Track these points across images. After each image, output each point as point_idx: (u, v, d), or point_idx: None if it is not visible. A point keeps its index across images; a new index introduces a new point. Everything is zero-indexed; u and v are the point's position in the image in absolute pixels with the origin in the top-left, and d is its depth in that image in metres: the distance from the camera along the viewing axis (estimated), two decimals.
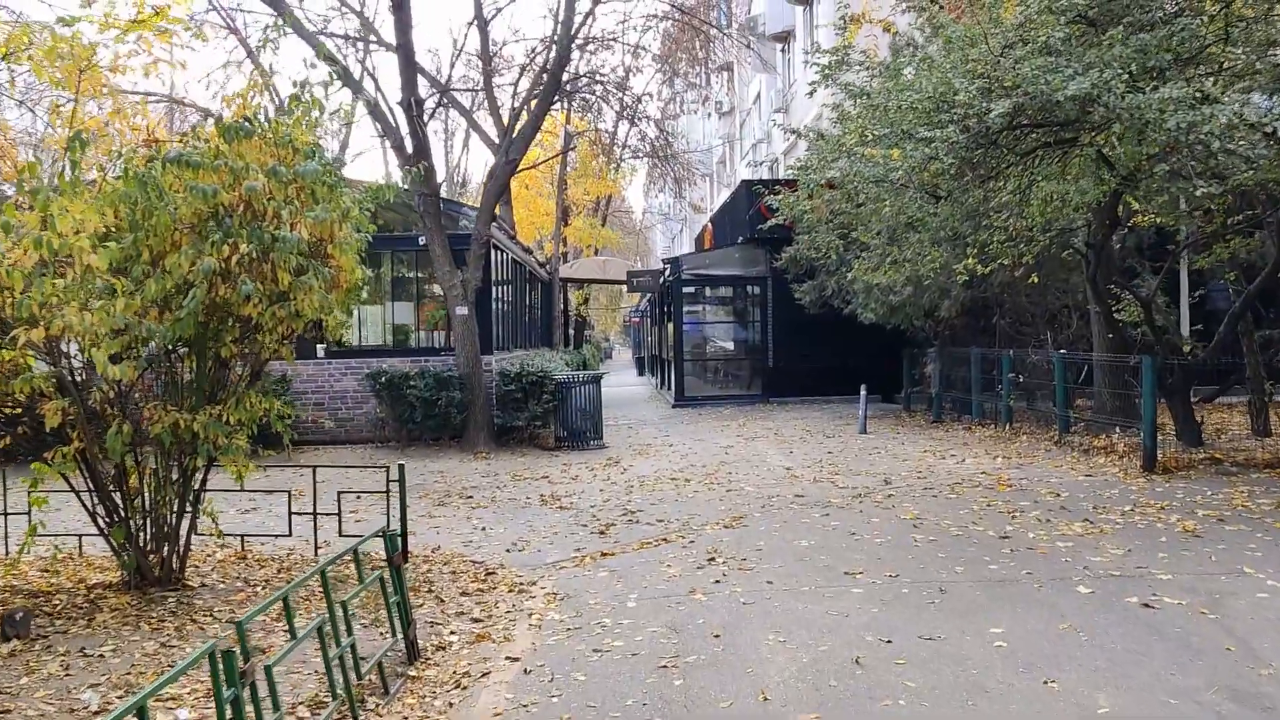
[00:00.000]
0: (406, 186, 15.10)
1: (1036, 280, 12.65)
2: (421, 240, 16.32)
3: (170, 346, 7.43)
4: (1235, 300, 12.66)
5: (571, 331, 36.45)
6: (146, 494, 7.58)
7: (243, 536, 9.22)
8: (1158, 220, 13.44)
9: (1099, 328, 13.52)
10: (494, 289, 18.31)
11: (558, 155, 27.70)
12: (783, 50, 38.30)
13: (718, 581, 7.44)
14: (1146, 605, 6.37)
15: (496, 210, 22.24)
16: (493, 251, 17.98)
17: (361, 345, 17.37)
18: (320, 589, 7.81)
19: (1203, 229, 12.16)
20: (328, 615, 5.01)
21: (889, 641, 5.84)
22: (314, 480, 9.05)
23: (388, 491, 8.92)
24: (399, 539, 6.09)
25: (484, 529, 10.08)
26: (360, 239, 7.62)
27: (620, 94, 27.72)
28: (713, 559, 8.18)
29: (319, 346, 17.33)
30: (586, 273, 30.59)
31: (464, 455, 15.57)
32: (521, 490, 12.36)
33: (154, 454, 7.51)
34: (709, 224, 31.75)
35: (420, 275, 17.61)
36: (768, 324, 23.97)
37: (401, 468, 8.86)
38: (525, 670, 5.77)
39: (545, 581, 7.93)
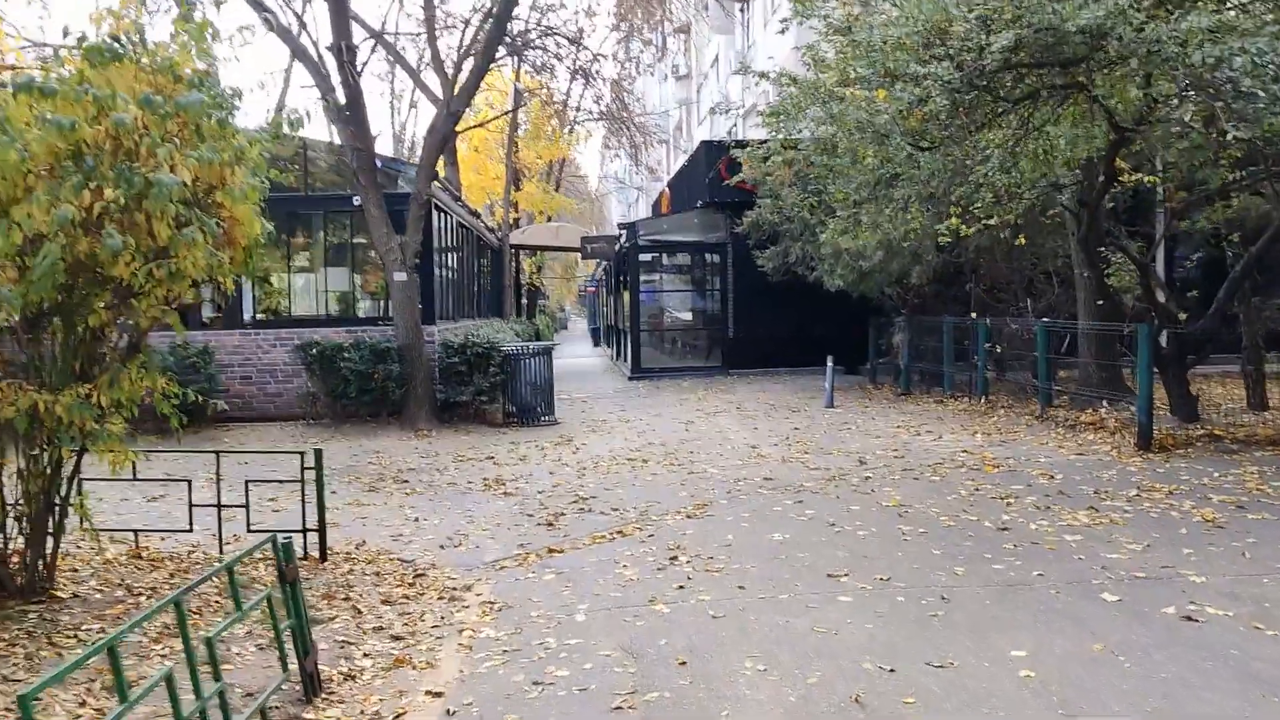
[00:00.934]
0: (304, 132, 13.83)
1: (1024, 242, 11.70)
2: (357, 200, 15.05)
3: (31, 314, 6.22)
4: (1234, 265, 11.77)
5: (524, 301, 35.23)
6: (6, 489, 6.39)
7: (136, 532, 8.05)
8: (1145, 180, 12.52)
9: (1086, 294, 12.61)
10: (437, 254, 17.09)
11: (507, 113, 26.36)
12: (742, 9, 37.13)
13: (682, 587, 6.40)
14: (1188, 618, 5.40)
15: (441, 170, 20.92)
16: (435, 213, 16.75)
17: (293, 314, 16.10)
18: (222, 589, 6.66)
19: (1208, 186, 11.23)
20: (186, 655, 3.90)
21: (892, 670, 4.81)
22: (217, 467, 7.89)
23: (302, 481, 7.80)
24: (291, 548, 4.97)
25: (417, 519, 8.97)
26: (257, 186, 6.41)
27: (574, 50, 26.44)
28: (675, 558, 7.14)
29: (257, 315, 16.11)
30: (539, 239, 29.32)
31: (403, 433, 14.41)
32: (463, 473, 11.24)
33: (12, 442, 6.32)
34: (666, 189, 30.61)
35: (357, 239, 16.33)
36: (727, 292, 22.94)
37: (319, 454, 7.75)
38: (448, 711, 4.68)
39: (482, 586, 6.84)
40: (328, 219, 16.26)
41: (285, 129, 6.53)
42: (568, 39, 22.90)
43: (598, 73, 31.69)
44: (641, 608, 6.02)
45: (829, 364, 16.38)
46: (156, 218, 5.74)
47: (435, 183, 16.50)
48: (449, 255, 18.76)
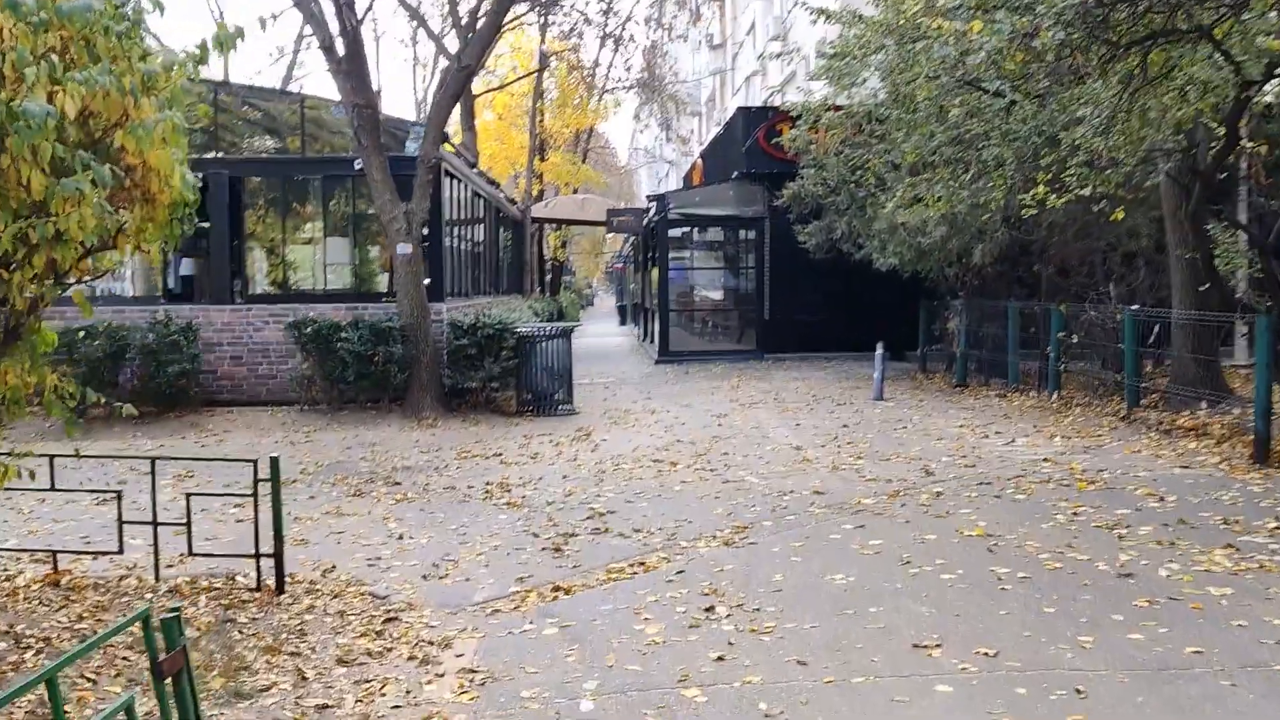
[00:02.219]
0: (308, 89, 12.36)
1: (1120, 216, 10.05)
2: (359, 164, 13.57)
3: None
4: None
5: (547, 277, 33.78)
6: None
7: (56, 553, 6.65)
8: (1255, 147, 10.84)
9: (1183, 277, 10.96)
10: (448, 225, 15.61)
11: (530, 74, 24.79)
12: None
13: (721, 658, 4.89)
14: None
15: (457, 136, 19.46)
16: (447, 180, 15.26)
17: (288, 289, 14.68)
18: (132, 641, 4.98)
19: None
20: None
21: None
22: (153, 476, 6.45)
23: (255, 494, 6.35)
24: (176, 625, 3.51)
25: (402, 537, 7.52)
26: (178, 125, 4.90)
27: (604, 11, 24.90)
28: (711, 608, 5.63)
29: (249, 289, 14.75)
30: (563, 212, 27.79)
31: (406, 423, 12.98)
32: (465, 474, 9.80)
33: None
34: (698, 160, 28.98)
35: (360, 208, 14.85)
36: (764, 271, 21.35)
37: (275, 464, 6.29)
38: None
39: (465, 641, 5.38)
40: (328, 185, 14.79)
41: (212, 49, 5.00)
42: None
43: (630, 39, 30.15)
44: (669, 692, 4.52)
45: (879, 351, 14.79)
46: (25, 161, 4.27)
47: (447, 146, 15.02)
48: (462, 226, 17.28)
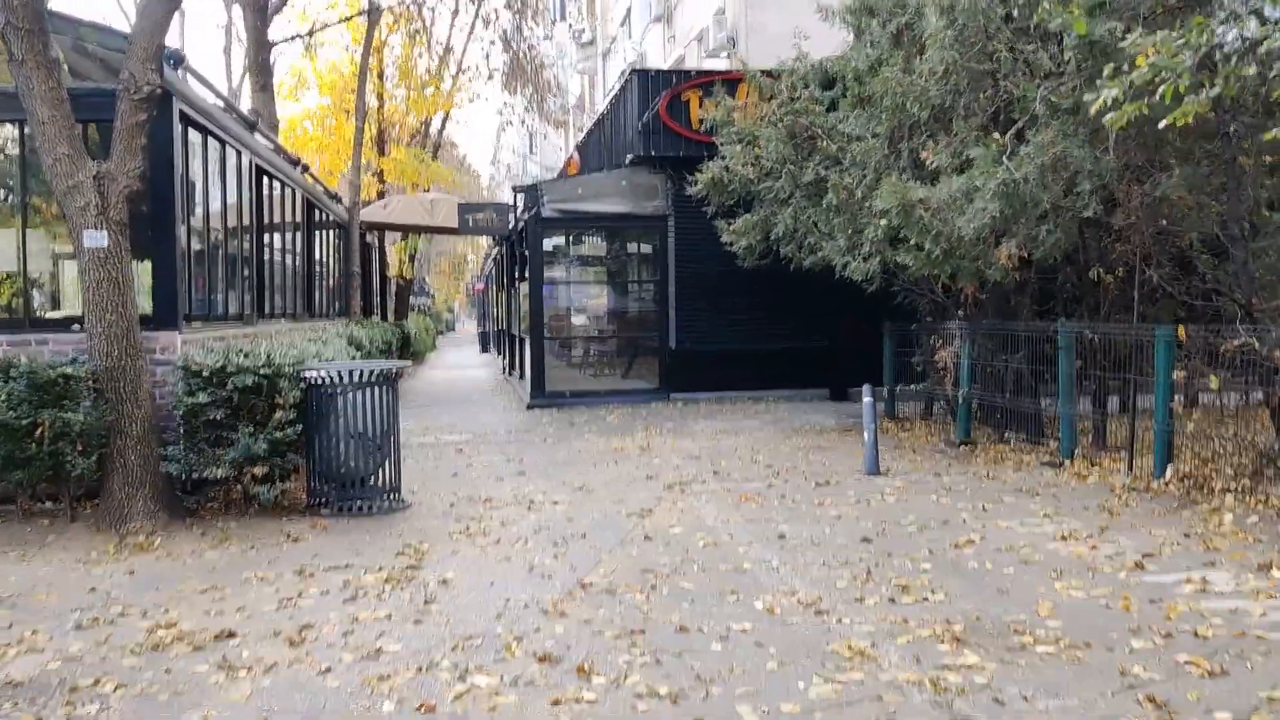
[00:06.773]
0: None
1: None
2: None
3: None
4: None
5: (391, 300, 28.02)
6: None
7: None
8: None
9: None
10: (197, 205, 9.96)
11: (351, 19, 19.16)
12: None
13: None
14: None
15: (227, 84, 13.96)
16: (194, 134, 9.65)
17: None
18: None
19: None
20: None
21: None
22: None
23: None
24: None
25: None
26: None
27: None
28: None
29: None
30: (408, 215, 21.97)
31: (94, 543, 7.35)
32: (134, 715, 4.33)
33: None
34: (574, 155, 23.78)
35: (35, 174, 9.02)
36: (668, 285, 16.28)
37: None
38: None
39: None
40: None
41: None
42: None
43: (488, 19, 25.03)
44: None
45: (866, 399, 9.81)
46: None
47: (183, 74, 9.44)
48: (232, 215, 11.57)
